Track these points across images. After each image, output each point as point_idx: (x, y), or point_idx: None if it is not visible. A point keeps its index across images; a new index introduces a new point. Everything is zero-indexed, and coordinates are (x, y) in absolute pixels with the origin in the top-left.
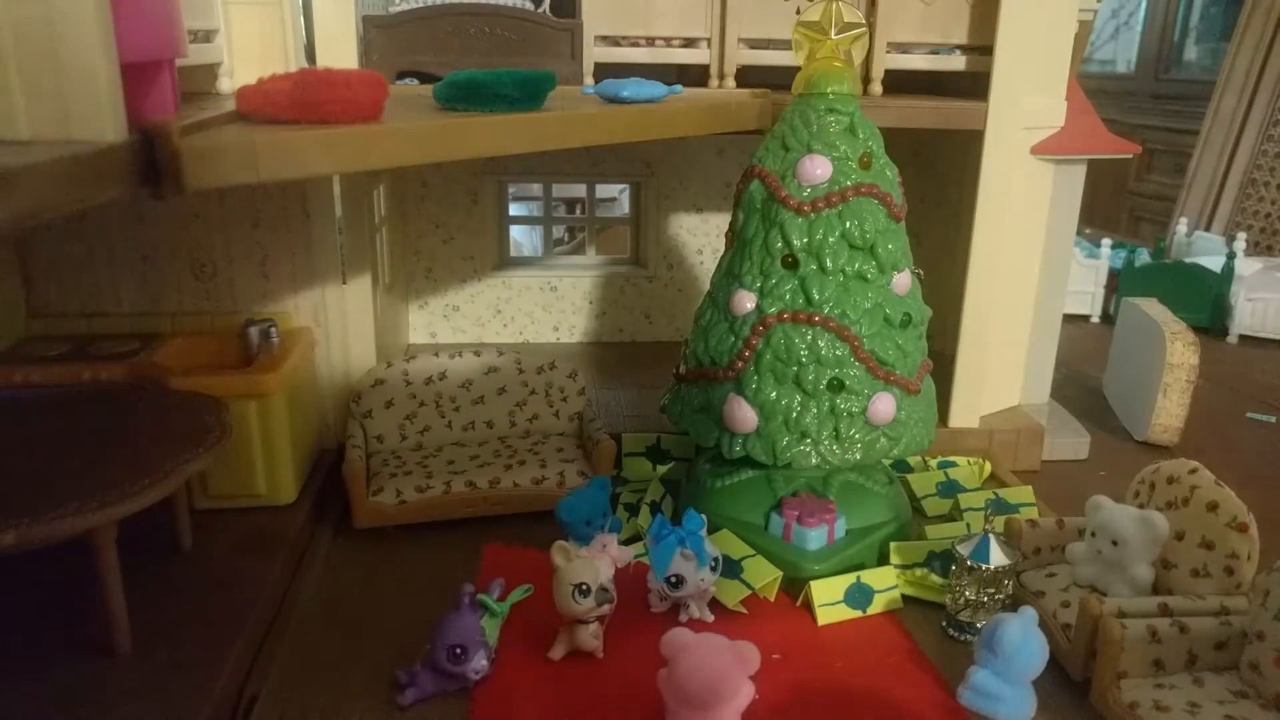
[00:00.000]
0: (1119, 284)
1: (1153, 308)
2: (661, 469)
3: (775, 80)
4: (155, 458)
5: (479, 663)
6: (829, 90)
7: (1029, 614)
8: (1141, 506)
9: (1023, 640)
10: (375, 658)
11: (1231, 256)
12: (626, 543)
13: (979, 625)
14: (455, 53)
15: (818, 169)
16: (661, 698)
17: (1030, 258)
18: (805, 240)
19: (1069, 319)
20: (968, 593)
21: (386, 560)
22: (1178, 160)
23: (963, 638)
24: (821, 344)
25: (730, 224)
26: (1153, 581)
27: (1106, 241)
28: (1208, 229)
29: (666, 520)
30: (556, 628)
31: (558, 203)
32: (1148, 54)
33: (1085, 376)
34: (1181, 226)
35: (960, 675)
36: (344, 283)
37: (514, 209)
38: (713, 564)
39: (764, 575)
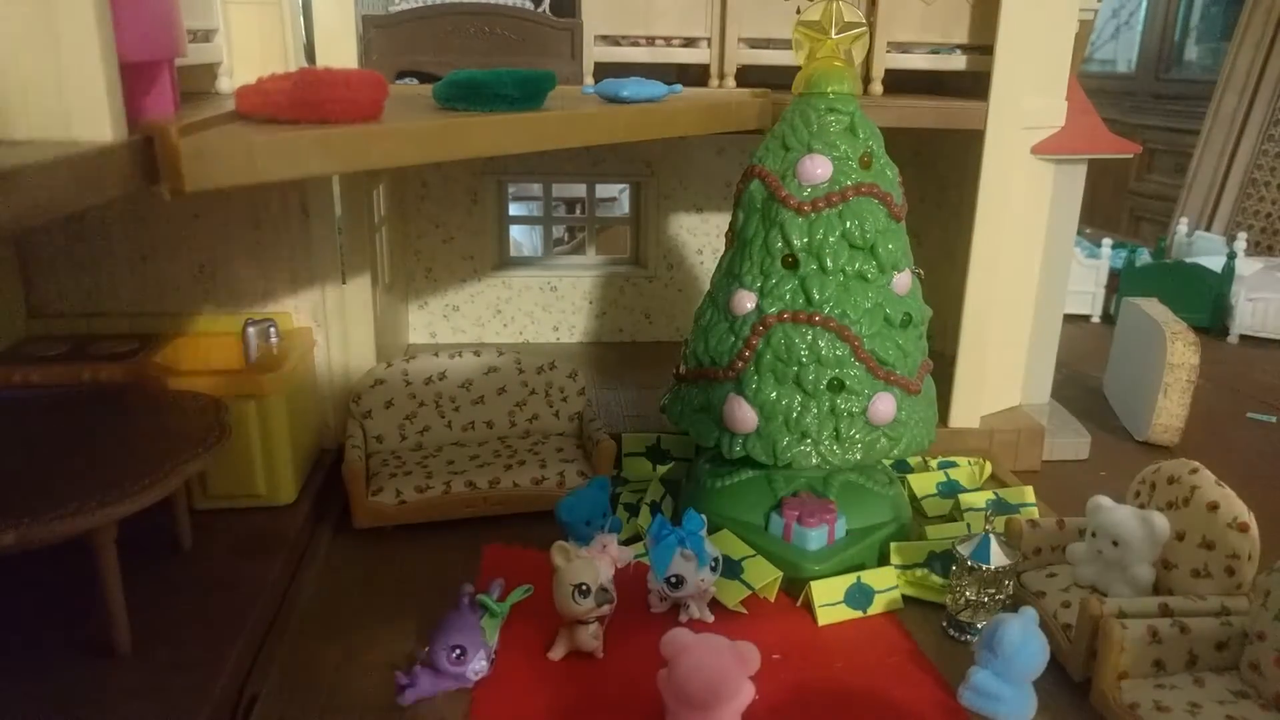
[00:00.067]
0: (1119, 284)
1: (1153, 308)
2: (661, 469)
3: (775, 80)
4: (155, 458)
5: (479, 663)
6: (829, 90)
7: (1029, 614)
8: (1142, 507)
9: (1023, 640)
10: (375, 658)
11: (1232, 256)
12: (626, 543)
13: (979, 625)
14: (455, 52)
15: (818, 169)
16: (661, 698)
17: (1031, 258)
18: (805, 240)
19: (1069, 319)
20: (968, 593)
21: (386, 560)
22: (1178, 160)
23: (963, 638)
24: (822, 344)
25: (730, 224)
26: (1153, 582)
27: (1107, 241)
28: (1208, 229)
29: (666, 520)
30: (556, 628)
31: (558, 203)
32: (1148, 54)
33: (1086, 376)
34: (1182, 226)
35: (960, 675)
36: (344, 283)
37: (514, 209)
38: (713, 564)
39: (764, 575)
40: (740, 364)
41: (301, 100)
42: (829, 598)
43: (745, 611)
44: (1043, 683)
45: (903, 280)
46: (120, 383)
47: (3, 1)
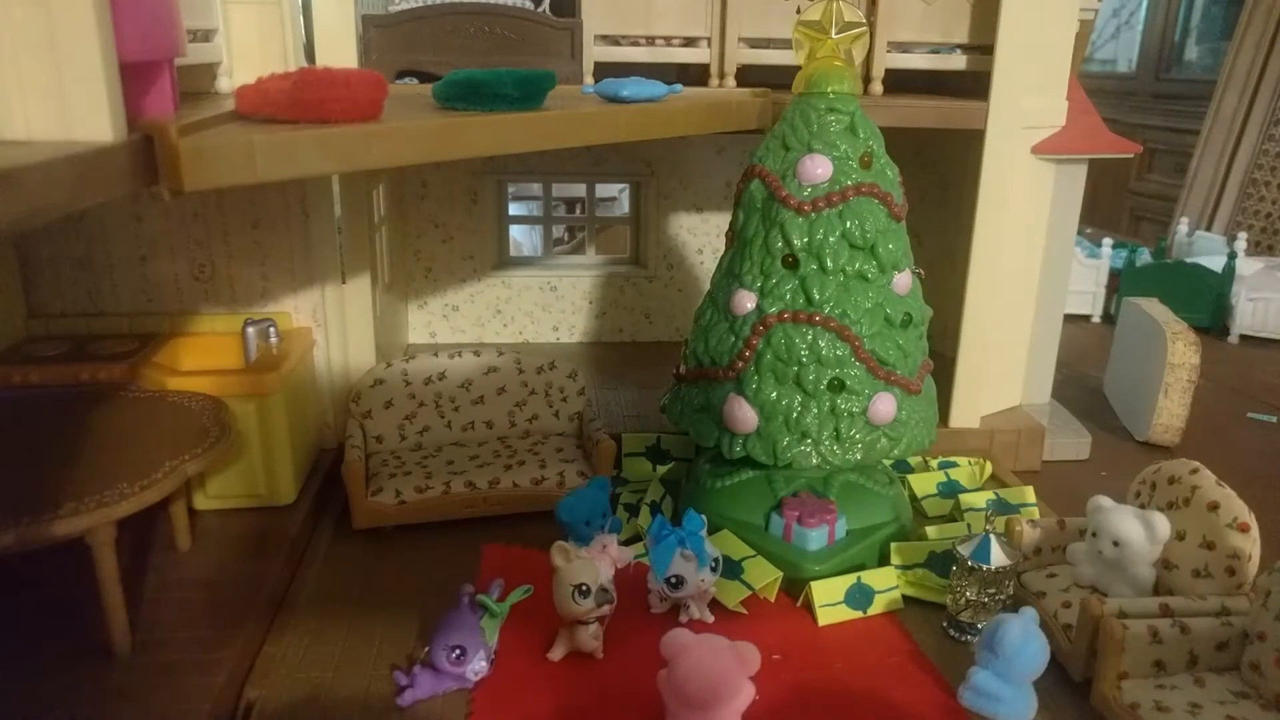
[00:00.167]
0: (1120, 284)
1: (1154, 307)
2: (661, 469)
3: (775, 79)
4: (155, 458)
5: (478, 663)
6: (829, 89)
7: (1030, 614)
8: (1143, 507)
9: (1023, 641)
10: (374, 658)
11: (1232, 256)
12: (626, 543)
13: (980, 626)
14: (455, 52)
15: (818, 168)
16: (661, 698)
17: (1031, 258)
18: (806, 240)
19: (1070, 319)
20: (968, 593)
21: (386, 560)
22: (1178, 160)
23: (963, 638)
24: (822, 344)
25: (730, 224)
26: (1154, 582)
27: (1107, 241)
28: (1209, 229)
29: (666, 521)
30: (556, 628)
31: (557, 202)
32: (1148, 53)
33: (1086, 376)
34: (1182, 226)
35: (961, 676)
36: (343, 283)
37: (514, 209)
38: (713, 564)
39: (764, 576)
40: (740, 364)
41: (301, 100)
42: (829, 598)
43: (745, 612)
44: (1043, 683)
45: (903, 280)
46: (120, 383)
47: (3, 2)
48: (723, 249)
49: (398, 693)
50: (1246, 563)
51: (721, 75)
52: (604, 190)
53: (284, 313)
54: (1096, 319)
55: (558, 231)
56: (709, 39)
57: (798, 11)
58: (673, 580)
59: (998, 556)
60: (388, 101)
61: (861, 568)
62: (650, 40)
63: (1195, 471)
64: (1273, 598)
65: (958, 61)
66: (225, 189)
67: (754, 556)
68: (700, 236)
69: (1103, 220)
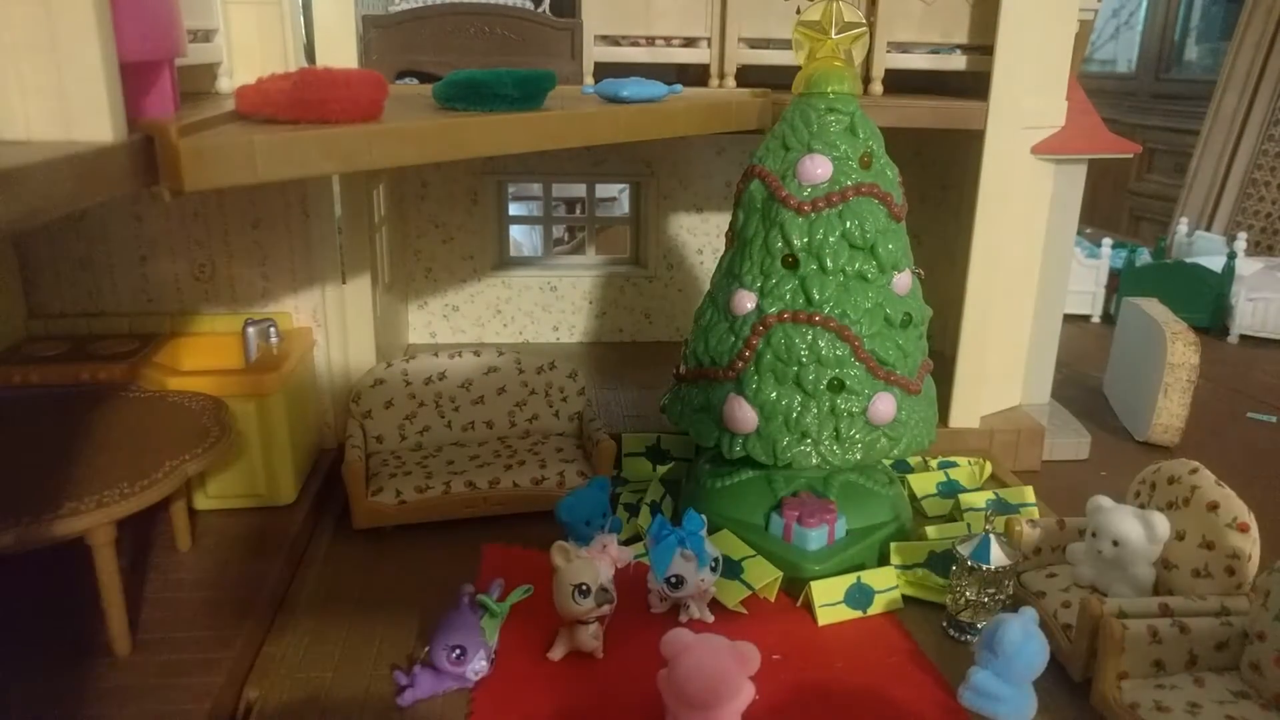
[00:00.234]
0: (1120, 284)
1: (1153, 307)
2: (661, 469)
3: (775, 80)
4: (155, 458)
5: (479, 663)
6: (829, 90)
7: (1029, 614)
8: (1142, 506)
9: (1023, 641)
10: (374, 658)
11: (1232, 256)
12: (626, 543)
13: (979, 626)
14: (455, 52)
15: (818, 168)
16: (661, 698)
17: (1030, 258)
18: (805, 240)
19: (1069, 319)
20: (968, 593)
21: (386, 560)
22: (1178, 160)
23: (963, 638)
24: (822, 344)
25: (730, 224)
26: (1153, 582)
27: (1107, 241)
28: (1208, 229)
29: (666, 520)
30: (556, 628)
31: (558, 203)
32: (1148, 54)
33: (1086, 376)
34: (1182, 226)
35: (961, 676)
36: (344, 283)
37: (514, 209)
38: (713, 564)
39: (764, 575)
40: (740, 364)
41: (301, 100)
42: (829, 598)
43: (745, 611)
44: (1043, 683)
45: (903, 280)
46: (119, 383)
47: (3, 2)
48: (723, 249)
49: (398, 692)
50: (1246, 563)
51: (721, 75)
52: (604, 190)
53: (284, 313)
54: (1096, 319)
55: (558, 231)
56: (709, 39)
57: (798, 12)
58: (673, 580)
59: (997, 556)
60: (388, 102)
61: (861, 567)
62: (650, 41)
63: (1195, 471)
64: (1272, 598)
65: (957, 61)
66: (225, 189)
67: (754, 556)
68: (700, 236)
69: (1102, 220)
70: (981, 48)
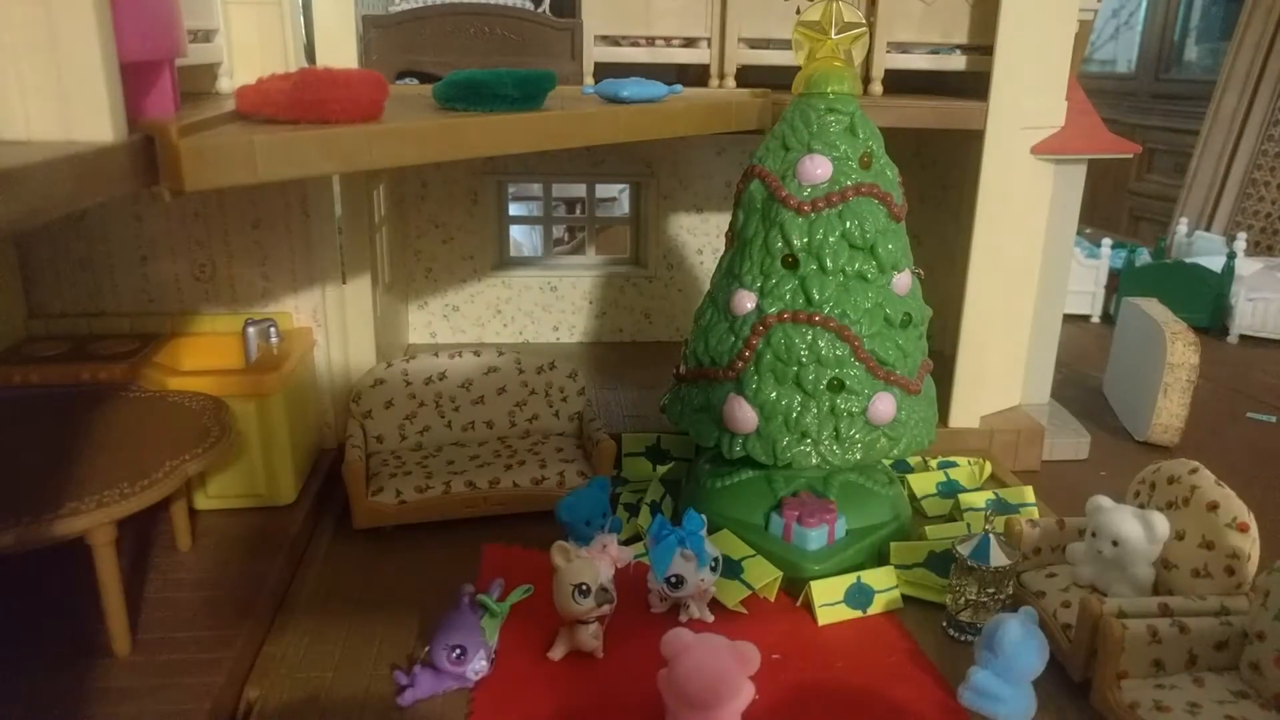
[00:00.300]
0: (1119, 284)
1: (1153, 308)
2: (661, 469)
3: (775, 80)
4: (155, 458)
5: (479, 663)
6: (829, 90)
7: (1029, 614)
8: (1142, 506)
9: (1023, 640)
10: (374, 658)
11: (1232, 256)
12: (626, 543)
13: (979, 625)
14: (455, 52)
15: (818, 169)
16: (661, 698)
17: (1030, 258)
18: (805, 240)
19: (1069, 319)
20: (968, 593)
21: (386, 560)
22: (1178, 160)
23: (963, 638)
24: (822, 344)
25: (730, 224)
26: (1153, 582)
27: (1107, 241)
28: (1208, 229)
29: (666, 520)
30: (556, 628)
31: (558, 203)
32: (1148, 54)
33: (1085, 376)
34: (1182, 226)
35: (960, 675)
36: (344, 283)
37: (514, 209)
38: (713, 564)
39: (764, 575)
40: (740, 364)
41: (301, 100)
42: (829, 598)
43: (745, 611)
44: (1043, 683)
45: (903, 280)
46: (120, 383)
47: (3, 2)
48: (723, 249)
49: (398, 692)
50: (1246, 562)
51: (721, 76)
52: (604, 190)
53: (284, 313)
54: (1096, 319)
55: (558, 232)
56: (709, 39)
57: (798, 12)
58: (673, 580)
59: (997, 556)
60: (388, 102)
61: (861, 567)
62: (650, 41)
63: (1194, 471)
64: (1272, 597)
65: (957, 62)
66: (226, 189)
67: (754, 556)
68: (700, 236)
69: (1102, 220)
70: (981, 48)
